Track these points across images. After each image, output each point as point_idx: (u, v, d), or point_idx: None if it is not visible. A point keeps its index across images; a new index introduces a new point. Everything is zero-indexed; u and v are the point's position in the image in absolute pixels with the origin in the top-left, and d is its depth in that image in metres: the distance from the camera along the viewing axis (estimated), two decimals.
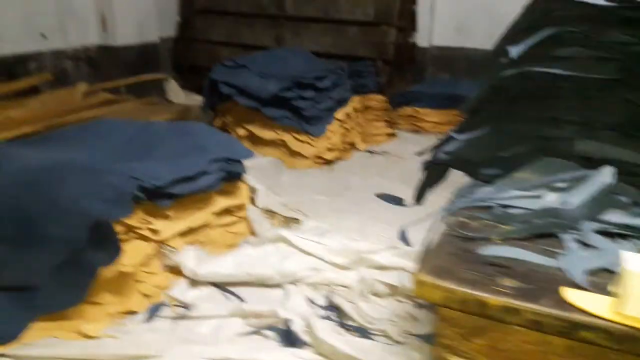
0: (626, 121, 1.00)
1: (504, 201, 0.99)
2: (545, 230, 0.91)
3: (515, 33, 1.08)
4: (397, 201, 2.33)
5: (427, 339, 1.15)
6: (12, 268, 1.30)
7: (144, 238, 1.48)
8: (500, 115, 1.11)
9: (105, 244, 1.31)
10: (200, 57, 4.20)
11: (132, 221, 1.41)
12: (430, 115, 3.33)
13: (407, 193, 2.39)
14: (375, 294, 1.60)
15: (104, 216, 1.27)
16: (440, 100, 3.31)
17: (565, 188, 0.99)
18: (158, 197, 1.48)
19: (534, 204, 0.96)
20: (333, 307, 1.55)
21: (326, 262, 1.70)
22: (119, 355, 1.27)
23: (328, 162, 2.77)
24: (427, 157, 1.23)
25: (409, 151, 3.01)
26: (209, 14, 4.16)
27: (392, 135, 3.24)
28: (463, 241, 0.89)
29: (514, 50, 1.02)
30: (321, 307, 1.55)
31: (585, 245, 0.88)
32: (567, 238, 0.89)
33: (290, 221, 2.09)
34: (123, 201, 1.31)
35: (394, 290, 1.61)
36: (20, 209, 1.28)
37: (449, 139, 1.14)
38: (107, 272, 1.34)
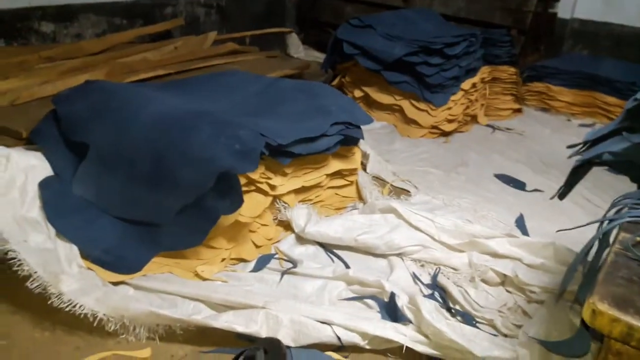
0: None
1: None
2: None
3: None
4: (518, 185, 2.17)
5: (544, 343, 1.07)
6: (144, 205, 1.40)
7: (262, 192, 1.53)
8: None
9: (230, 193, 1.35)
10: (324, 12, 4.17)
11: (254, 175, 1.45)
12: (563, 95, 3.04)
13: (529, 177, 2.22)
14: (485, 281, 1.54)
15: (231, 168, 1.32)
16: (577, 80, 3.01)
17: None
18: (279, 155, 1.51)
19: None
20: (438, 287, 1.51)
21: (435, 240, 1.65)
22: (228, 300, 1.31)
23: (445, 134, 2.65)
24: (584, 153, 1.09)
25: (535, 130, 2.80)
26: None
27: (518, 111, 3.01)
28: None
29: None
30: (426, 285, 1.52)
31: None
32: None
33: (399, 192, 2.05)
34: (251, 156, 1.35)
35: (505, 280, 1.53)
36: (157, 152, 1.36)
37: (610, 135, 1.00)
38: (226, 219, 1.39)
